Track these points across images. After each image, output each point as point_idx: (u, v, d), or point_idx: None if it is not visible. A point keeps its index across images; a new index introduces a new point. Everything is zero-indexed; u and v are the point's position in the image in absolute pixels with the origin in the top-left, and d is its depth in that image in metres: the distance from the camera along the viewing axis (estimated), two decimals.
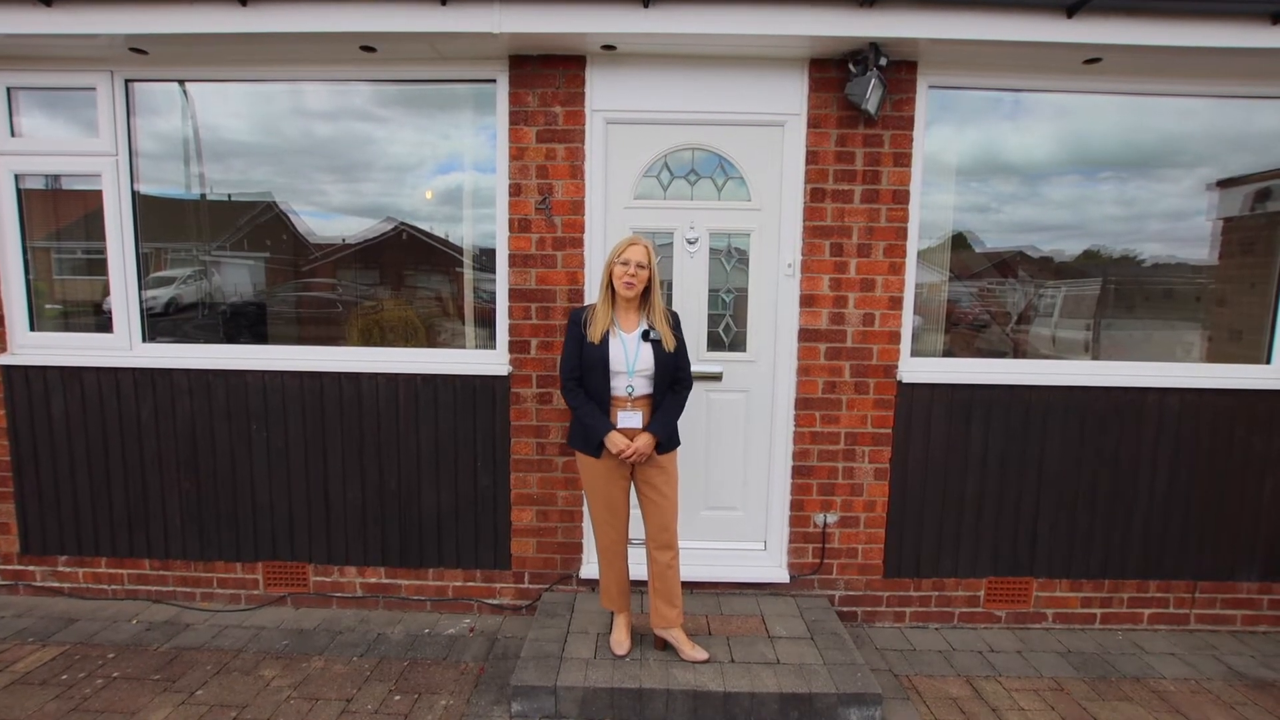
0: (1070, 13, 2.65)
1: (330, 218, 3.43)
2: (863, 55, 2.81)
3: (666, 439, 2.58)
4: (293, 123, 3.29)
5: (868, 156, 3.02)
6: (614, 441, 2.49)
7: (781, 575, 3.25)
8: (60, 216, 3.33)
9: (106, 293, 3.25)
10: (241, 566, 3.35)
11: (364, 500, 3.28)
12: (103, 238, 3.20)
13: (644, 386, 2.56)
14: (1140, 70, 2.98)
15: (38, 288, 3.32)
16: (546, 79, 3.00)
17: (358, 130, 3.27)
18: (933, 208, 3.21)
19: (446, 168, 3.32)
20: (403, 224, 3.39)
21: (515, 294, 3.13)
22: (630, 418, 2.54)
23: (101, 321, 3.31)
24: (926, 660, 3.00)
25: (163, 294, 3.42)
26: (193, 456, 3.28)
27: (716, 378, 3.20)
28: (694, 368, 2.81)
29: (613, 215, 3.13)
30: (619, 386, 2.54)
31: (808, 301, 3.10)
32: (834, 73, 2.97)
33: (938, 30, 2.70)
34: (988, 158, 3.27)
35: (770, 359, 3.21)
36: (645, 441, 2.51)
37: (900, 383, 3.14)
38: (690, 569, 3.14)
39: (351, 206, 3.39)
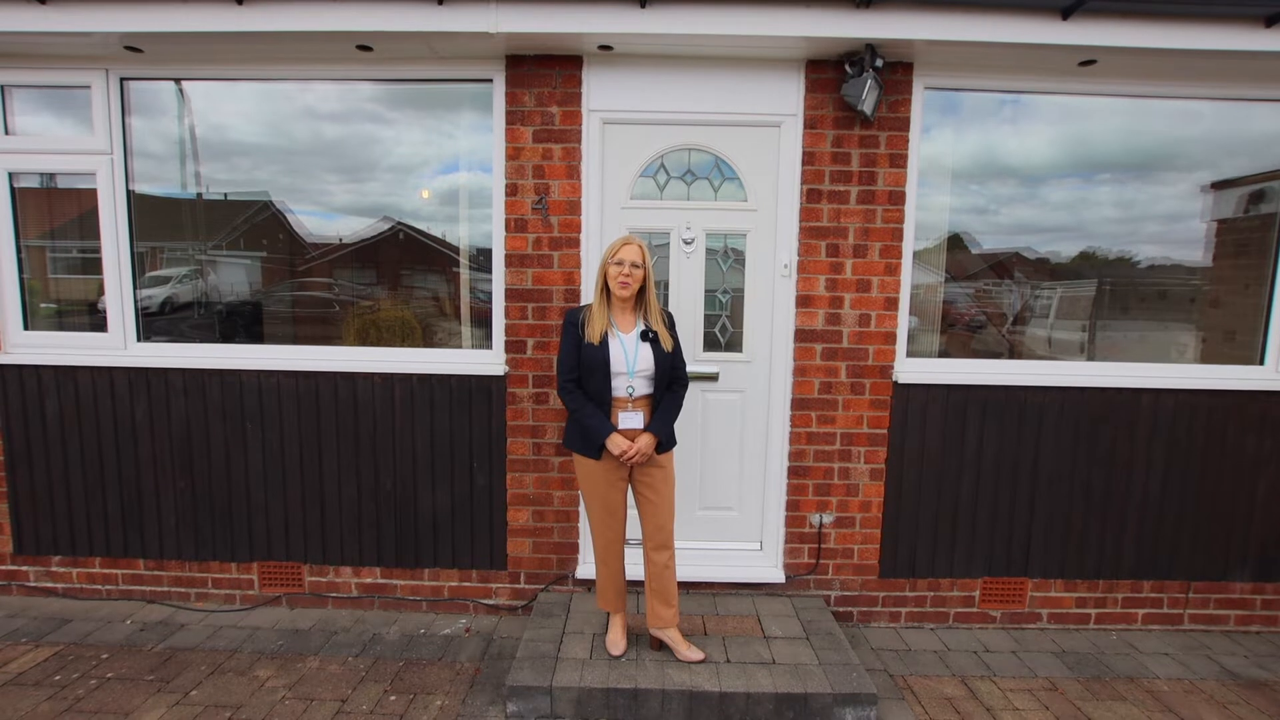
0: (1065, 14, 2.66)
1: (327, 217, 3.42)
2: (859, 56, 2.82)
3: (666, 439, 2.58)
4: (289, 122, 3.28)
5: (864, 157, 3.03)
6: (615, 443, 2.49)
7: (777, 575, 3.25)
8: (55, 215, 3.32)
9: (101, 292, 3.24)
10: (236, 567, 3.34)
11: (359, 500, 3.27)
12: (97, 236, 3.18)
13: (644, 387, 2.55)
14: (1135, 73, 2.99)
15: (32, 286, 3.30)
16: (543, 79, 3.00)
17: (355, 130, 3.26)
18: (929, 209, 3.22)
19: (443, 168, 3.31)
20: (399, 224, 3.39)
21: (512, 294, 3.12)
22: (631, 418, 2.53)
23: (96, 321, 3.30)
24: (921, 660, 3.01)
25: (158, 293, 3.40)
26: (187, 456, 3.27)
27: (713, 378, 3.20)
28: (690, 368, 2.82)
29: (609, 215, 3.13)
30: (619, 387, 2.53)
31: (804, 302, 3.11)
32: (830, 74, 2.97)
33: (933, 31, 2.70)
34: (984, 159, 3.27)
35: (766, 359, 3.21)
36: (646, 442, 2.51)
37: (896, 383, 3.14)
38: (686, 569, 3.14)
39: (348, 206, 3.38)
